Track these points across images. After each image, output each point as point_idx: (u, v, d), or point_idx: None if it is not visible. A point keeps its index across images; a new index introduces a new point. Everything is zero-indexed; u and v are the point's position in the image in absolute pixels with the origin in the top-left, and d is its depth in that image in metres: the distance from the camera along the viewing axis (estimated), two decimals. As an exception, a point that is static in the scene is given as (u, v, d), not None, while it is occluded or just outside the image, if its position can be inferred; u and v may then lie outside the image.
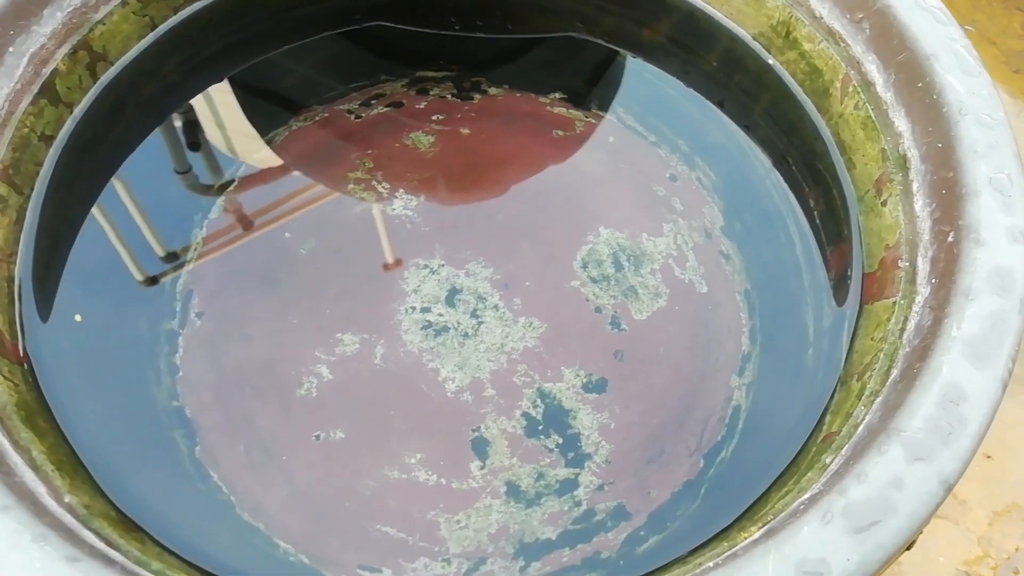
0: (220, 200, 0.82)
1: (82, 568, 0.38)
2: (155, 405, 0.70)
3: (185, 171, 0.83)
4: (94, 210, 0.78)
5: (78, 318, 0.71)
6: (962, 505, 0.78)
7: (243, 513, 0.67)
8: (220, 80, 0.85)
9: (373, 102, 0.89)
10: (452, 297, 0.78)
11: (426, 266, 0.80)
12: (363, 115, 0.88)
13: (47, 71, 0.68)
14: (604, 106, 0.88)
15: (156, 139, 0.83)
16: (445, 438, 0.72)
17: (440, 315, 0.77)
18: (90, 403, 0.68)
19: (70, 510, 0.47)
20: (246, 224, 0.81)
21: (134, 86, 0.76)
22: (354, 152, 0.86)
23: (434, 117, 0.88)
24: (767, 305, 0.74)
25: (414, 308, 0.78)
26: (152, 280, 0.77)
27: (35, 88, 0.68)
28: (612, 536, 0.67)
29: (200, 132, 0.85)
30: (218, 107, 0.87)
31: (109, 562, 0.41)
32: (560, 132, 0.88)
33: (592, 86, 0.91)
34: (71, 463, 0.58)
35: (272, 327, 0.76)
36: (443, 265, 0.80)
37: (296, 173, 0.85)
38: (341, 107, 0.88)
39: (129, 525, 0.57)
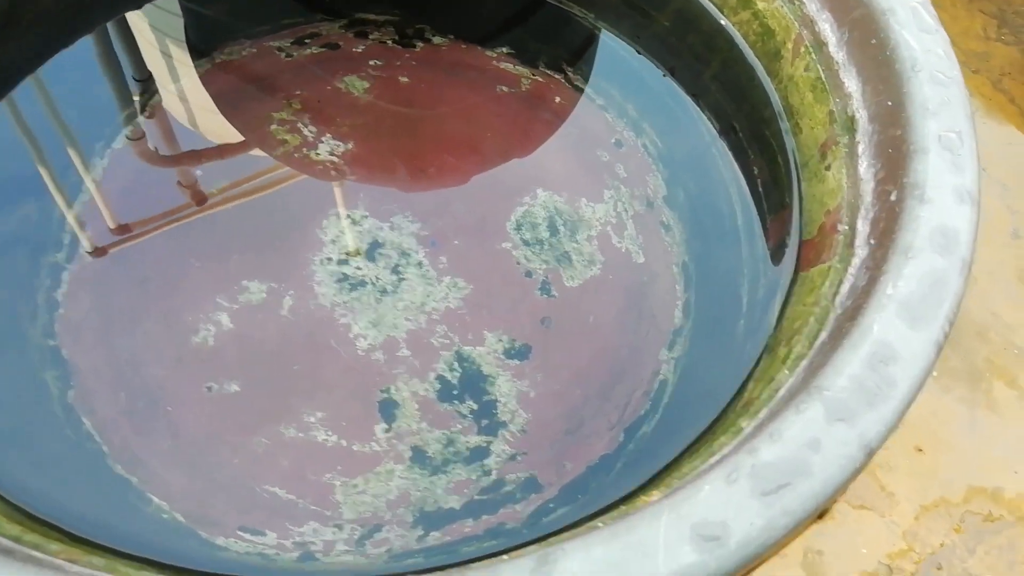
0: (126, 130, 0.75)
1: None
2: (26, 342, 0.64)
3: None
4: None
5: None
6: (890, 498, 0.76)
7: (115, 465, 0.61)
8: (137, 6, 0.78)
9: (307, 41, 0.82)
10: (373, 251, 0.73)
11: (348, 216, 0.74)
12: (294, 54, 0.82)
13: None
14: (553, 65, 0.84)
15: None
16: (350, 398, 0.67)
17: (358, 268, 0.72)
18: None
19: None
20: (153, 157, 0.74)
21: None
22: (281, 92, 0.80)
23: (372, 62, 0.82)
24: (704, 278, 0.71)
25: (330, 259, 0.72)
26: (41, 206, 0.70)
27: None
28: (520, 508, 0.62)
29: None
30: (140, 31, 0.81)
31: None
32: (505, 88, 0.83)
33: (542, 43, 0.86)
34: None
35: (172, 270, 0.70)
36: (366, 216, 0.74)
37: (214, 108, 0.78)
38: (271, 44, 0.82)
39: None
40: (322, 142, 0.78)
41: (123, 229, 0.71)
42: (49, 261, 0.68)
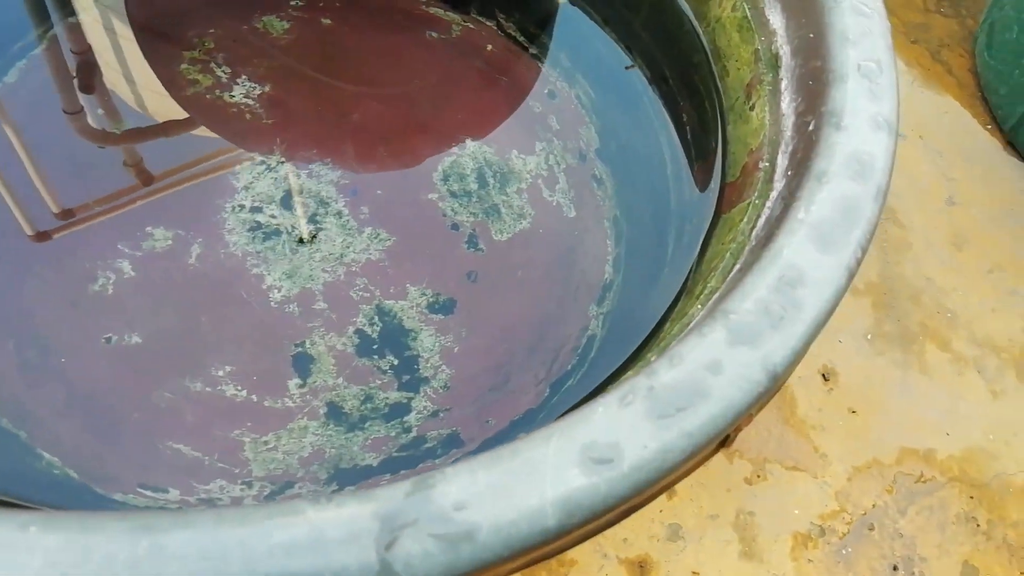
0: (32, 52, 0.70)
1: None
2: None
3: None
4: None
5: None
6: (822, 459, 0.75)
7: (1, 419, 0.57)
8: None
9: (224, -20, 0.78)
10: (289, 199, 0.69)
11: (263, 162, 0.70)
12: (210, -7, 0.78)
13: None
14: (485, 11, 0.81)
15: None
16: (262, 352, 0.63)
17: (272, 217, 0.68)
18: None
19: None
20: (57, 86, 0.69)
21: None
22: (192, 29, 0.75)
23: (293, 2, 0.78)
24: (634, 231, 0.69)
25: (243, 207, 0.68)
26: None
27: None
28: (440, 463, 0.60)
29: None
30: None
31: None
32: (434, 34, 0.80)
33: (473, -11, 0.83)
34: None
35: (68, 211, 0.65)
36: (283, 162, 0.71)
37: (114, 39, 0.73)
38: (184, -20, 0.77)
39: None
40: (237, 84, 0.73)
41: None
42: (-68, 203, 0.63)
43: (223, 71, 0.73)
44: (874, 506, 0.72)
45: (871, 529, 0.70)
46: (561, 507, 0.29)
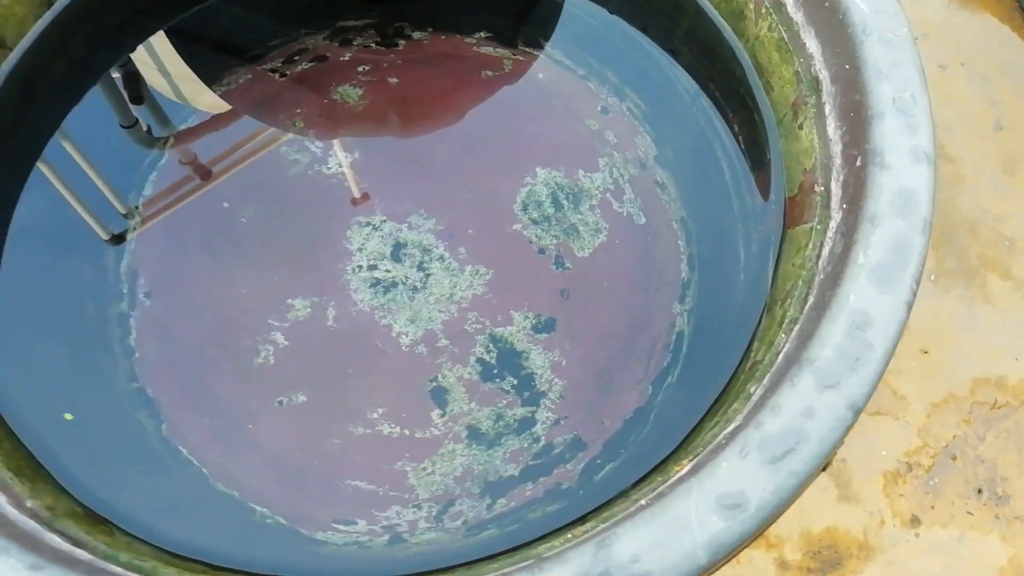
0: (152, 176, 0.81)
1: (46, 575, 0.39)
2: (115, 389, 0.72)
3: (131, 125, 0.82)
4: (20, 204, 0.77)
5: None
6: (901, 400, 0.83)
7: (216, 483, 0.70)
8: (131, 51, 0.82)
9: (296, 58, 0.86)
10: (397, 252, 0.79)
11: (368, 223, 0.80)
12: (288, 72, 0.86)
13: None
14: (530, 42, 0.87)
15: (73, 120, 0.81)
16: (404, 391, 0.75)
17: (387, 271, 0.78)
18: (45, 399, 0.69)
19: (33, 515, 0.49)
20: (183, 198, 0.80)
21: (41, 68, 0.73)
22: (282, 112, 0.85)
23: (360, 68, 0.86)
24: (703, 231, 0.76)
25: (361, 267, 0.78)
26: (95, 264, 0.77)
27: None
28: (571, 467, 0.71)
29: (143, 89, 0.83)
30: (159, 60, 0.85)
31: (73, 563, 0.43)
32: (489, 72, 0.87)
33: (517, 23, 0.89)
34: (31, 466, 0.60)
35: (222, 299, 0.77)
36: (385, 220, 0.80)
37: (225, 141, 0.83)
38: (264, 67, 0.86)
39: (96, 519, 0.59)
40: (330, 155, 0.83)
41: (168, 269, 0.77)
42: (115, 312, 0.75)
43: (316, 146, 0.83)
44: (954, 437, 0.80)
45: (954, 459, 0.79)
46: (709, 547, 0.39)
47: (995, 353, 0.84)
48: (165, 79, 0.85)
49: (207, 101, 0.84)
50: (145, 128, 0.83)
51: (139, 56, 0.84)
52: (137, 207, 0.79)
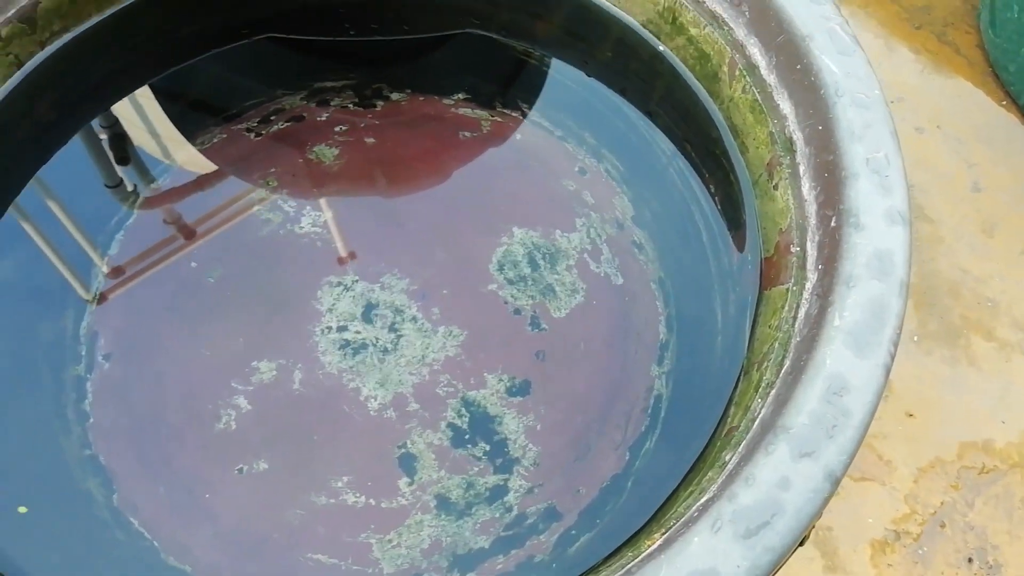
0: (119, 235, 0.79)
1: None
2: (65, 457, 0.68)
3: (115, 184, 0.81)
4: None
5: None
6: (887, 465, 0.80)
7: (168, 557, 0.66)
8: (102, 112, 0.81)
9: (272, 118, 0.86)
10: (368, 313, 0.77)
11: (339, 283, 0.78)
12: (263, 132, 0.85)
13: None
14: (509, 104, 0.87)
15: (41, 176, 0.79)
16: (371, 458, 0.71)
17: (357, 332, 0.76)
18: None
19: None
20: (150, 258, 0.78)
21: (5, 129, 0.72)
22: (256, 172, 0.84)
23: (337, 128, 0.86)
24: (681, 292, 0.75)
25: (330, 328, 0.76)
26: (54, 324, 0.74)
27: None
28: (545, 538, 0.67)
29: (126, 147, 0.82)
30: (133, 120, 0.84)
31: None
32: (467, 133, 0.87)
33: (495, 84, 0.89)
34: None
35: (184, 362, 0.74)
36: (357, 280, 0.79)
37: (196, 199, 0.82)
38: (238, 127, 0.85)
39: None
40: (303, 215, 0.81)
41: (130, 330, 0.75)
42: (72, 375, 0.72)
43: (290, 206, 0.81)
44: (942, 503, 0.78)
45: (943, 526, 0.76)
46: (679, 632, 0.36)
47: (981, 416, 0.82)
48: (151, 138, 0.84)
49: (183, 157, 0.84)
50: (131, 188, 0.82)
51: (124, 114, 0.84)
52: (102, 266, 0.77)
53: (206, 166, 0.84)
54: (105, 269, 0.77)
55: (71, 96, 0.76)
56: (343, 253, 0.80)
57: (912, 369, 0.85)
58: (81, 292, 0.76)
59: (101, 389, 0.72)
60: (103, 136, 0.83)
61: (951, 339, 0.87)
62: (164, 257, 0.79)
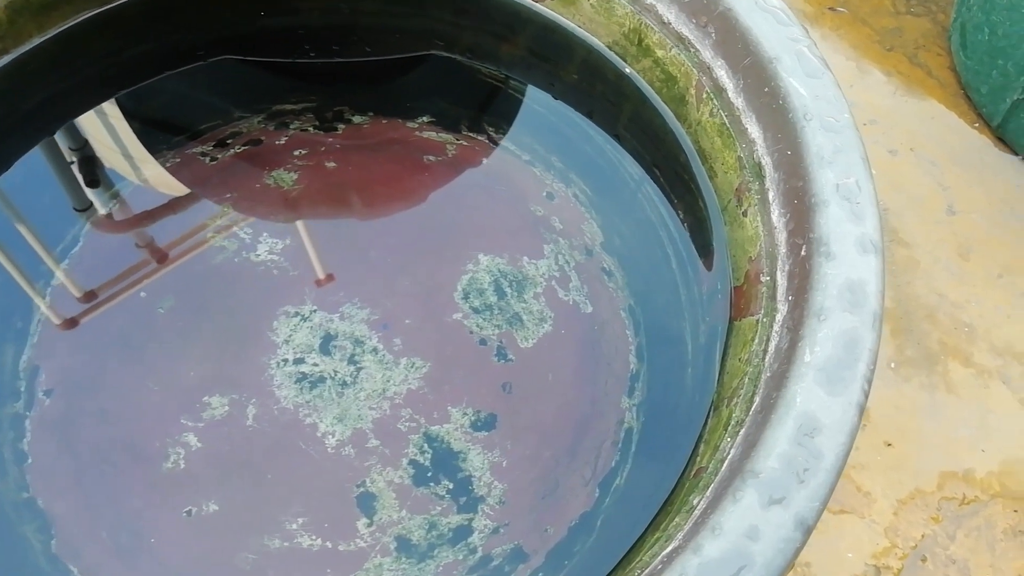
0: (64, 264, 0.75)
1: None
2: (0, 500, 0.64)
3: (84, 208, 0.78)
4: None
5: None
6: (866, 497, 0.78)
7: (108, 608, 0.62)
8: (46, 136, 0.78)
9: (229, 142, 0.83)
10: (327, 344, 0.74)
11: (296, 313, 0.75)
12: (218, 157, 0.82)
13: None
14: (475, 127, 0.85)
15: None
16: (328, 497, 0.68)
17: (315, 365, 0.73)
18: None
19: None
20: (95, 286, 0.75)
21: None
22: (212, 198, 0.80)
23: (296, 152, 0.83)
24: (651, 321, 0.72)
25: (286, 360, 0.73)
26: (-9, 360, 0.70)
27: None
28: (510, 583, 0.64)
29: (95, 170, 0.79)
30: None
31: None
32: (431, 157, 0.84)
33: (460, 107, 0.87)
34: None
35: (131, 398, 0.71)
36: (315, 311, 0.75)
37: (147, 226, 0.79)
38: (193, 151, 0.82)
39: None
40: (260, 242, 0.78)
41: (73, 364, 0.71)
42: (9, 413, 0.68)
43: (245, 232, 0.78)
44: (923, 536, 0.75)
45: (924, 560, 0.73)
46: None
47: (961, 445, 0.80)
48: (128, 162, 0.81)
49: (138, 178, 0.80)
50: (104, 213, 0.78)
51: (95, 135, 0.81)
52: (44, 296, 0.73)
53: (167, 179, 0.80)
54: (48, 299, 0.74)
55: (13, 117, 0.73)
56: (300, 282, 0.77)
57: (890, 396, 0.83)
58: (20, 323, 0.72)
59: (41, 427, 0.68)
60: (73, 159, 0.80)
61: (929, 365, 0.85)
62: (112, 285, 0.75)
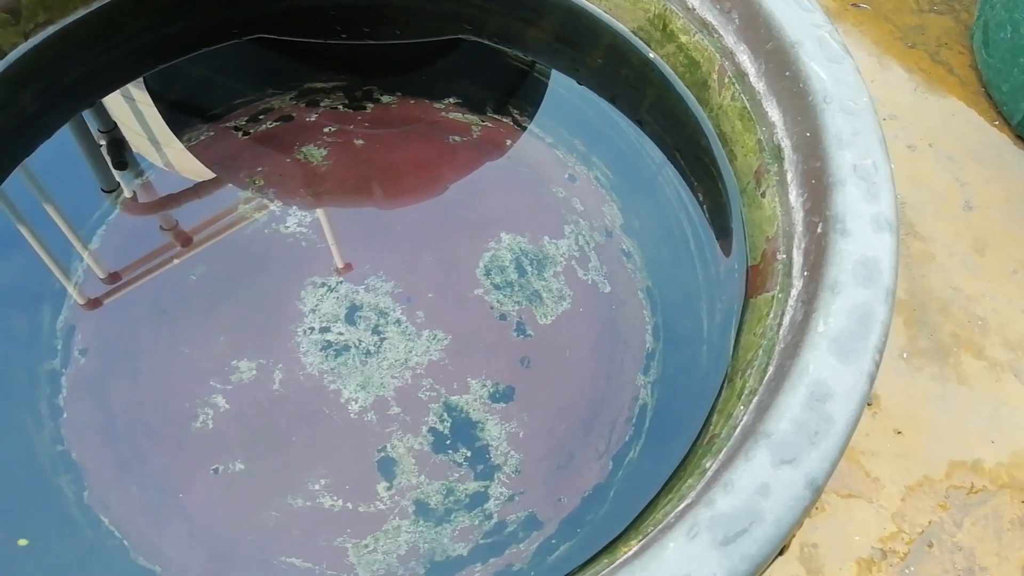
0: (100, 230, 0.78)
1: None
2: (35, 452, 0.67)
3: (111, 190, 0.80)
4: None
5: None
6: (875, 483, 0.79)
7: (138, 558, 0.64)
8: (88, 107, 0.81)
9: (261, 117, 0.85)
10: (352, 314, 0.76)
11: (323, 284, 0.77)
12: (251, 131, 0.85)
13: None
14: (500, 110, 0.87)
15: (25, 166, 0.78)
16: (350, 461, 0.70)
17: (340, 334, 0.75)
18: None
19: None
20: (130, 253, 0.77)
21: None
22: (243, 171, 0.83)
23: (326, 129, 0.85)
24: (668, 301, 0.74)
25: (312, 329, 0.75)
26: (29, 318, 0.73)
27: None
28: (524, 547, 0.66)
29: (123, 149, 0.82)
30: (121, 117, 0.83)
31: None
32: (457, 138, 0.86)
33: (486, 90, 0.89)
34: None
35: (163, 360, 0.73)
36: (341, 282, 0.78)
37: (180, 204, 0.81)
38: (227, 125, 0.85)
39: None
40: (289, 214, 0.81)
41: (108, 326, 0.74)
42: (46, 369, 0.71)
43: (276, 205, 0.81)
44: (930, 523, 0.76)
45: (930, 546, 0.75)
46: (651, 640, 0.35)
47: (971, 435, 0.81)
48: (138, 135, 0.83)
49: (170, 154, 0.83)
50: (130, 195, 0.81)
51: (114, 110, 0.83)
52: (82, 261, 0.76)
53: (193, 164, 0.83)
54: (85, 264, 0.76)
55: (55, 89, 0.75)
56: (328, 254, 0.79)
57: (902, 386, 0.84)
58: (59, 286, 0.75)
59: (76, 384, 0.71)
60: (102, 142, 0.82)
61: (941, 357, 0.86)
62: (146, 253, 0.78)
